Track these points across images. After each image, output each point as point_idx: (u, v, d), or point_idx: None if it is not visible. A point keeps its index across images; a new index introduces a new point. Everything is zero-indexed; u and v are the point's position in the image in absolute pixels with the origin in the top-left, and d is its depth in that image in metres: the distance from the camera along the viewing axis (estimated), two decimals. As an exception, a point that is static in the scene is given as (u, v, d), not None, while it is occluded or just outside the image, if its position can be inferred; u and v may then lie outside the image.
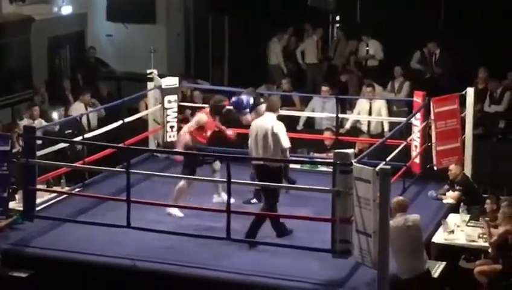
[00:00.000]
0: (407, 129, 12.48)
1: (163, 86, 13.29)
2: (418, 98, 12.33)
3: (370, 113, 14.72)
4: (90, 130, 13.20)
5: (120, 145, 11.83)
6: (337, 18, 20.84)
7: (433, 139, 12.17)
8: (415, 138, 12.14)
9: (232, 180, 9.55)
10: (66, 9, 17.83)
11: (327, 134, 13.54)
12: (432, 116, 12.08)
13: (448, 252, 10.48)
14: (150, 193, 11.05)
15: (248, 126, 10.68)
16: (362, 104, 14.94)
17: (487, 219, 10.51)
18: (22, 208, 10.59)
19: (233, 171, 9.61)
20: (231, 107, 11.42)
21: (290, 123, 12.38)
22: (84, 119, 14.10)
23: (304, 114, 14.91)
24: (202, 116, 11.30)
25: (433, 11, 18.70)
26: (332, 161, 9.25)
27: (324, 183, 9.51)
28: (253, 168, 10.45)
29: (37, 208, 10.66)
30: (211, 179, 11.07)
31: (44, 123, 13.54)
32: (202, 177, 10.95)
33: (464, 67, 16.17)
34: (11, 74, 16.53)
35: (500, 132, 14.97)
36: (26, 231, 10.50)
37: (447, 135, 12.16)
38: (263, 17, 20.00)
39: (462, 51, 16.90)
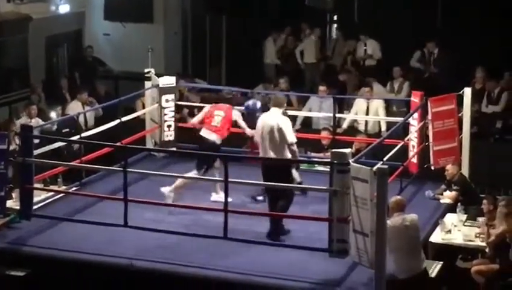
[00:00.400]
0: (404, 129, 12.49)
1: (160, 85, 13.26)
2: (415, 98, 12.33)
3: (367, 113, 14.71)
4: (88, 129, 13.18)
5: (117, 144, 11.81)
6: (335, 18, 20.85)
7: (431, 139, 12.16)
8: (413, 138, 12.12)
9: (229, 179, 9.54)
10: (64, 8, 17.85)
11: (324, 134, 13.52)
12: (429, 116, 12.07)
13: (446, 252, 10.48)
14: (147, 192, 11.04)
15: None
16: (360, 103, 14.93)
17: (485, 219, 10.52)
18: (18, 207, 10.56)
19: (234, 171, 9.61)
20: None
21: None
22: (81, 118, 14.08)
23: (301, 114, 14.87)
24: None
25: (431, 11, 18.73)
26: (329, 160, 9.24)
27: (321, 183, 9.51)
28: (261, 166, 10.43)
29: (34, 207, 10.63)
30: (209, 178, 11.07)
31: (41, 122, 13.52)
32: (201, 177, 10.97)
33: (462, 66, 16.19)
34: (9, 73, 16.52)
35: (497, 132, 14.96)
36: (23, 229, 10.48)
37: (444, 135, 12.14)
38: (261, 16, 20.01)
39: (459, 49, 16.93)
